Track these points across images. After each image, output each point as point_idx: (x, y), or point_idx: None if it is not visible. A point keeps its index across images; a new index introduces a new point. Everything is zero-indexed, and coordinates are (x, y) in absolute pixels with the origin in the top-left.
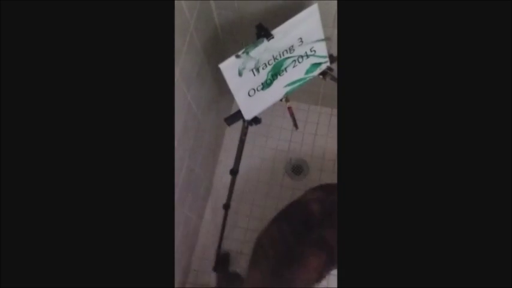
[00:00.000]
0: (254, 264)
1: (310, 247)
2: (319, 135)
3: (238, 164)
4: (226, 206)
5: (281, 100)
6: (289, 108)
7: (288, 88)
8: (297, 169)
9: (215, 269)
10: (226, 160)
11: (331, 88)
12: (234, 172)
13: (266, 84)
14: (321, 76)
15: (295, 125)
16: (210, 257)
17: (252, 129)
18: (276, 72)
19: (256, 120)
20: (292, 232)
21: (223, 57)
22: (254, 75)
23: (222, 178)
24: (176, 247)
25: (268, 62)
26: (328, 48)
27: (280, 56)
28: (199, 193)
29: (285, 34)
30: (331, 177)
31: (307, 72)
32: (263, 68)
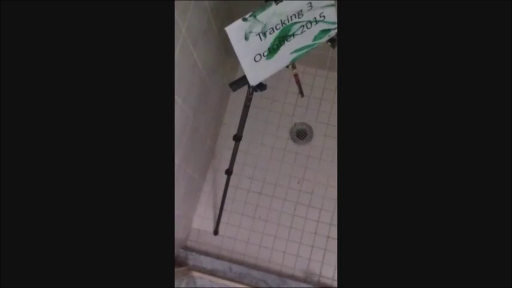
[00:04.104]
0: None
1: None
2: (325, 100)
3: (242, 130)
4: (229, 172)
5: (287, 67)
6: (296, 76)
7: (295, 55)
8: (301, 133)
9: (216, 232)
10: (230, 122)
11: None
12: (237, 138)
13: (273, 50)
14: (329, 43)
15: (301, 93)
16: (210, 216)
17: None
18: (284, 37)
19: (261, 86)
20: None
21: (231, 17)
22: (261, 39)
23: (226, 140)
24: (178, 205)
25: (275, 27)
26: None
27: (288, 21)
28: (203, 153)
29: None
30: (334, 142)
31: (315, 38)
32: (270, 33)
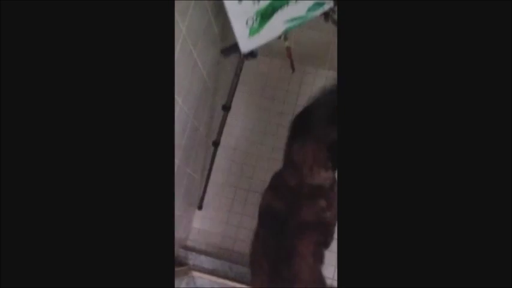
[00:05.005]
0: (254, 276)
1: (295, 237)
2: None
3: (231, 100)
4: (216, 143)
5: (279, 38)
6: (288, 49)
7: (288, 25)
8: None
9: (200, 207)
10: (231, 121)
11: None
12: (226, 108)
13: (266, 16)
14: (322, 17)
15: (292, 67)
16: (211, 216)
17: (258, 92)
18: (277, 5)
19: (252, 54)
20: (271, 234)
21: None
22: (254, 4)
23: (227, 139)
24: (178, 205)
25: None
26: None
27: None
28: (203, 153)
29: None
30: None
31: (309, 10)
32: None
